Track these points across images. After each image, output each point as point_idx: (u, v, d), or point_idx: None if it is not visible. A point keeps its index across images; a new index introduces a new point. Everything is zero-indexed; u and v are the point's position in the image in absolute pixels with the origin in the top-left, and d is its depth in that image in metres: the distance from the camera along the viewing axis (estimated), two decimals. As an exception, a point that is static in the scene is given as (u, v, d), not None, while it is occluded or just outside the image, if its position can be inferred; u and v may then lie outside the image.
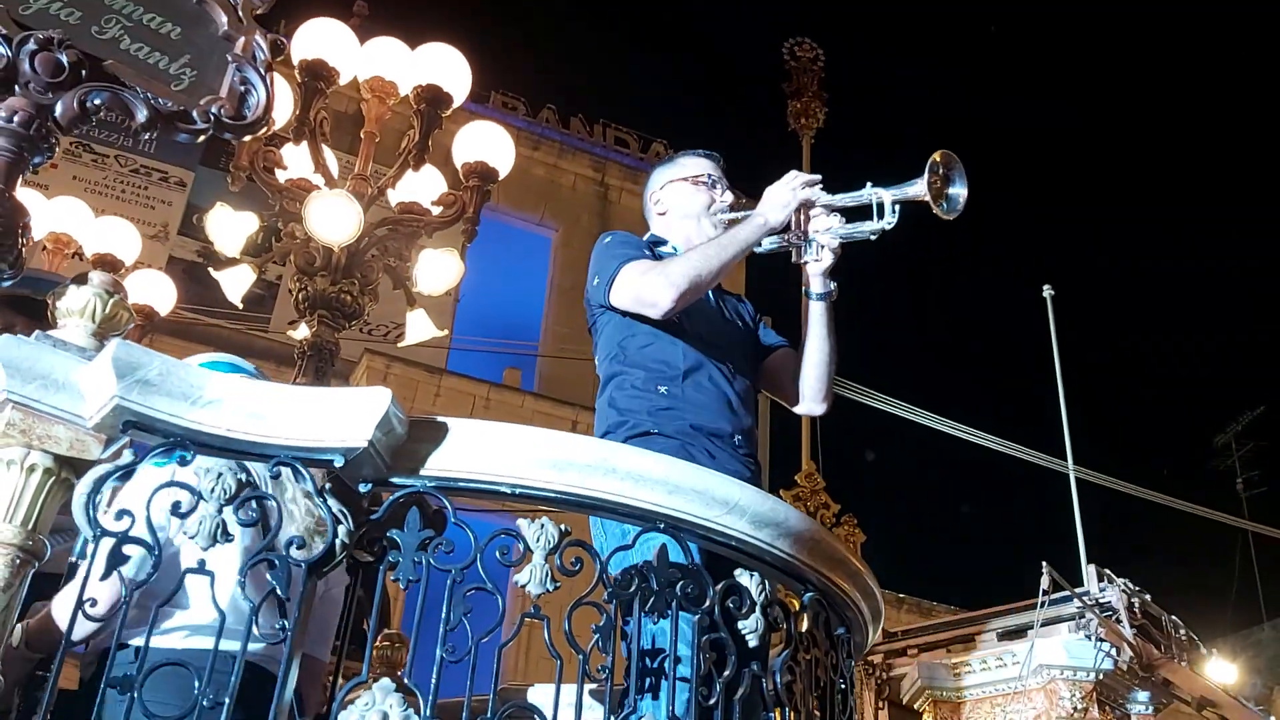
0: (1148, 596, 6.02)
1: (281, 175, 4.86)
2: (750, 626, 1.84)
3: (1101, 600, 5.83)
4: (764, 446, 12.07)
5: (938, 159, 2.54)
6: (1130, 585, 5.94)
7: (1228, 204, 33.17)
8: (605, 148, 15.27)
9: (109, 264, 5.62)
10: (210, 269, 5.19)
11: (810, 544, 1.95)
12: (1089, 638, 5.57)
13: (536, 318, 14.02)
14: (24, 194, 5.44)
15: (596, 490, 1.77)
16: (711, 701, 1.74)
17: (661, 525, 1.81)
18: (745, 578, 1.88)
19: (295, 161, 4.89)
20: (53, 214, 5.65)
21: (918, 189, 2.52)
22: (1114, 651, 5.56)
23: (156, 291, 5.67)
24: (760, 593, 1.87)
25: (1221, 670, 10.09)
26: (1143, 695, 5.84)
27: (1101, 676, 5.59)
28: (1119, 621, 5.69)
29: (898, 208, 2.56)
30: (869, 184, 2.62)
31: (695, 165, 2.93)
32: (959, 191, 2.57)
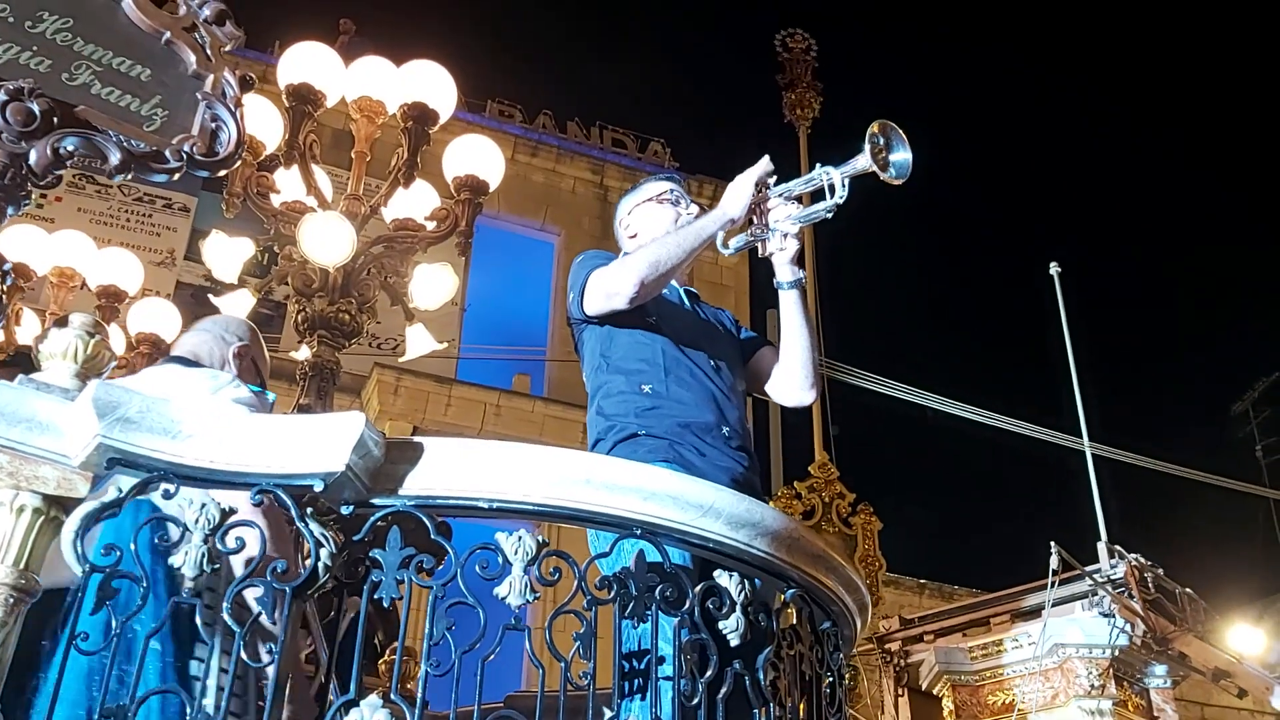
0: (1160, 570, 6.02)
1: (275, 199, 4.92)
2: (731, 626, 1.88)
3: (1114, 576, 5.84)
4: (775, 439, 12.09)
5: (875, 130, 2.60)
6: (1141, 560, 5.95)
7: (1236, 171, 32.98)
8: (603, 150, 15.31)
9: (113, 294, 5.71)
10: (210, 295, 5.26)
11: (789, 542, 1.99)
12: (1102, 615, 5.59)
13: (543, 322, 14.08)
14: (27, 229, 5.51)
15: (572, 501, 1.82)
16: (695, 702, 1.78)
17: (638, 531, 1.85)
18: (725, 578, 1.91)
19: (288, 185, 4.95)
20: (55, 248, 5.73)
21: (863, 161, 2.58)
22: (1128, 627, 5.57)
23: (161, 320, 5.75)
24: (740, 592, 1.90)
25: (1246, 638, 10.04)
26: (1160, 669, 5.85)
27: (1117, 653, 5.60)
28: (1131, 597, 5.70)
29: (848, 182, 2.62)
30: (818, 165, 2.69)
31: (657, 187, 3.03)
32: (902, 157, 2.62)
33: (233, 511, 1.70)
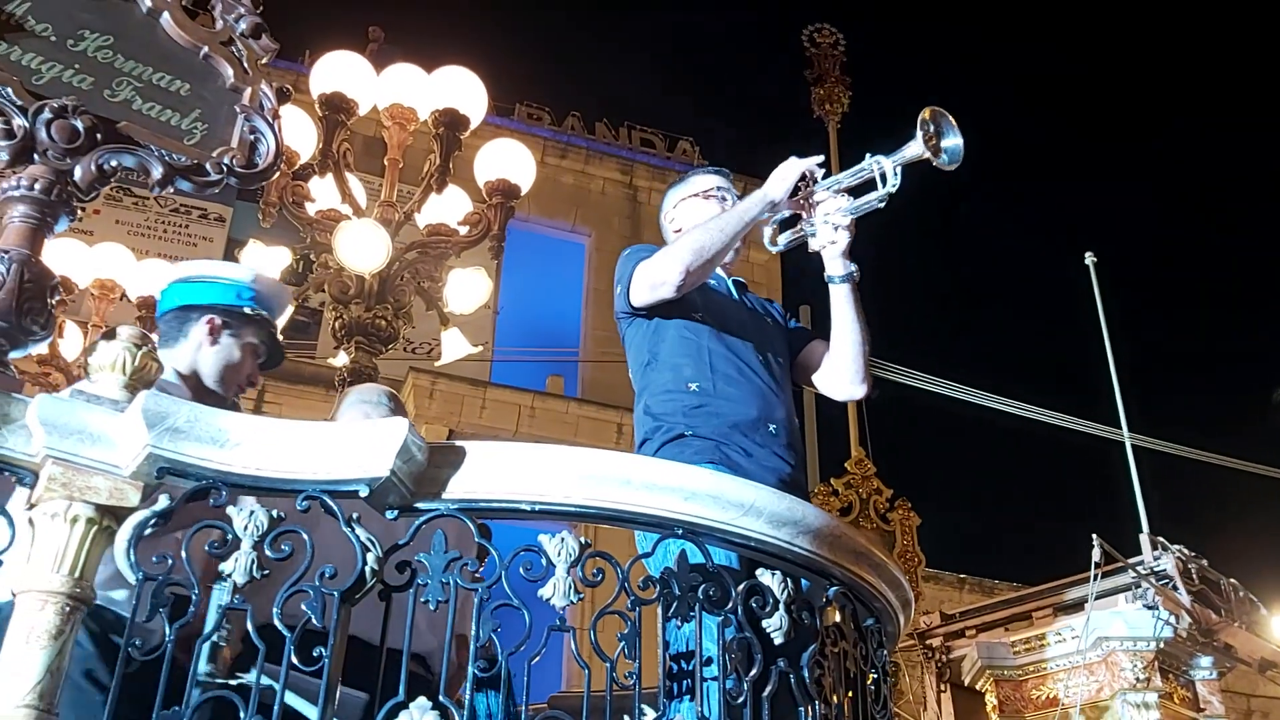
0: (1204, 561, 5.95)
1: (310, 208, 4.98)
2: (775, 624, 1.88)
3: (1157, 569, 5.78)
4: (810, 437, 12.05)
5: (926, 116, 2.60)
6: (1185, 551, 5.88)
7: (1274, 156, 32.51)
8: (632, 150, 15.33)
9: (153, 305, 5.78)
10: (249, 304, 5.31)
11: (830, 539, 1.99)
12: (1146, 607, 5.53)
13: (575, 323, 14.12)
14: (67, 243, 5.59)
15: (613, 502, 1.83)
16: (740, 700, 1.78)
17: (679, 531, 1.86)
18: (767, 577, 1.92)
19: (323, 193, 5.01)
20: (96, 261, 5.83)
21: (915, 149, 2.58)
22: (1173, 619, 5.51)
23: (200, 329, 5.83)
24: (783, 591, 1.91)
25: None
26: (1205, 660, 5.79)
27: (1162, 645, 5.55)
28: (1175, 589, 5.64)
29: (899, 170, 2.61)
30: (867, 155, 2.67)
31: (704, 181, 3.00)
32: (954, 142, 2.62)
33: (282, 518, 1.72)
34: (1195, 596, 5.72)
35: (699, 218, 2.90)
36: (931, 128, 2.59)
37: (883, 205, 2.66)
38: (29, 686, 1.58)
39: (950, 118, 2.63)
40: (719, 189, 2.96)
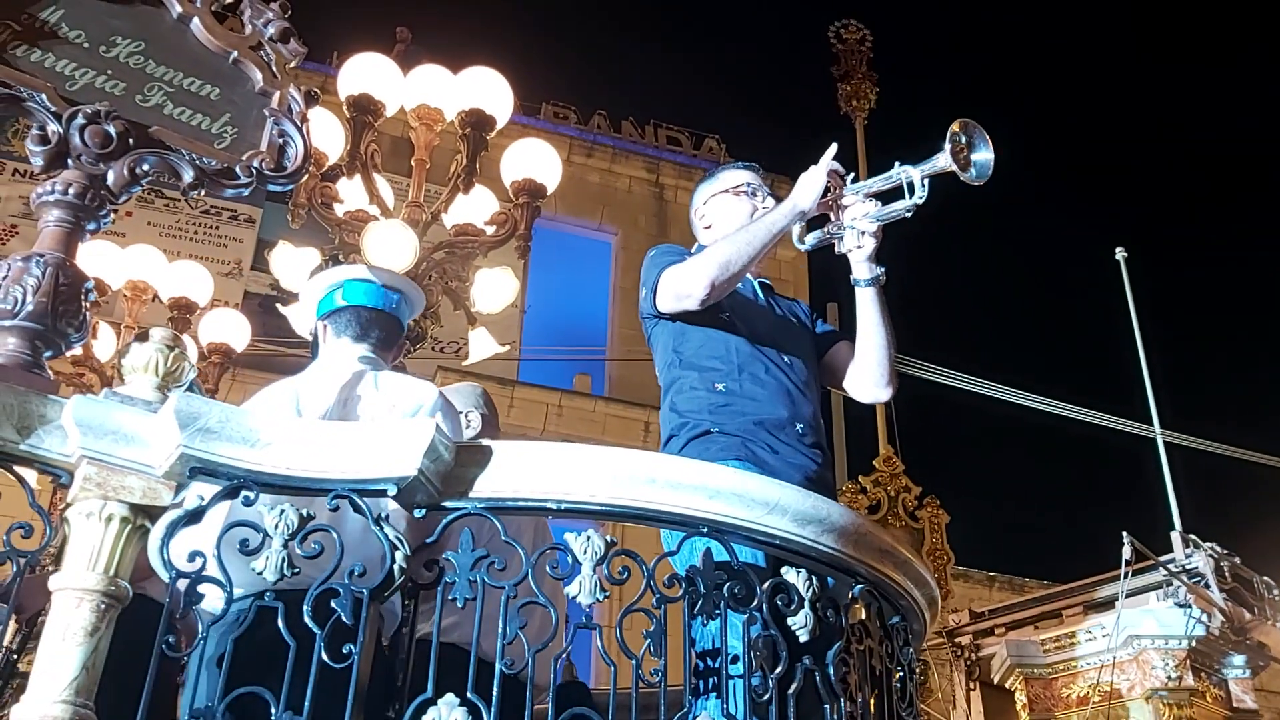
0: (1237, 559, 5.90)
1: (339, 209, 5.01)
2: (800, 622, 1.89)
3: (1189, 566, 5.74)
4: (839, 434, 12.02)
5: (956, 129, 2.57)
6: (1218, 549, 5.83)
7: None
8: (658, 148, 15.31)
9: (184, 306, 5.86)
10: (279, 305, 5.37)
11: (855, 537, 1.99)
12: (1178, 605, 5.49)
13: (602, 322, 14.13)
14: (100, 245, 5.65)
15: (638, 500, 1.84)
16: (765, 698, 1.79)
17: (705, 529, 1.87)
18: (792, 574, 1.93)
19: (351, 194, 5.04)
20: (128, 262, 5.90)
21: (943, 161, 2.56)
22: (1205, 618, 5.47)
23: (231, 330, 5.90)
24: (808, 589, 1.91)
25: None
26: (1239, 659, 5.73)
27: (1194, 643, 5.50)
28: (1208, 586, 5.59)
29: (927, 182, 2.59)
30: (896, 164, 2.66)
31: (735, 177, 2.98)
32: (984, 157, 2.60)
33: (311, 516, 1.74)
34: (1228, 594, 5.67)
35: (729, 215, 2.89)
36: (962, 139, 2.56)
37: (910, 215, 2.64)
38: (66, 683, 1.61)
39: (982, 130, 2.59)
40: (749, 185, 2.94)
